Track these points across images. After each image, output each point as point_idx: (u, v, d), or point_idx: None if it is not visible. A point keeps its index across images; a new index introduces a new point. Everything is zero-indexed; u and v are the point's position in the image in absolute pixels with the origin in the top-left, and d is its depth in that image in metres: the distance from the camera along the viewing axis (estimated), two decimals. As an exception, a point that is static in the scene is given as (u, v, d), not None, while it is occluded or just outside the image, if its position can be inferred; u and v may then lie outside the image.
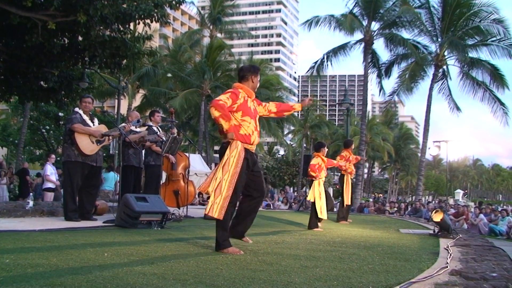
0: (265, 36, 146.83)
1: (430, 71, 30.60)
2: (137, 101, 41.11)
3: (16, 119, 41.08)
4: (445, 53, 29.69)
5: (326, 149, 9.30)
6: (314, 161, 8.89)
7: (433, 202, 49.77)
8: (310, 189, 8.81)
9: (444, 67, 30.37)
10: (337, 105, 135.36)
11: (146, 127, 9.04)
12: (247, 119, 4.95)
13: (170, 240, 5.60)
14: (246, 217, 5.24)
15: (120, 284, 3.00)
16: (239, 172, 4.82)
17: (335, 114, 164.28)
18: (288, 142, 68.27)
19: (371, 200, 33.06)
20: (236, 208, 5.17)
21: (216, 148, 65.03)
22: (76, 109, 7.82)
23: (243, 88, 5.09)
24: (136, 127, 8.60)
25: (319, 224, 8.54)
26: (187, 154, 10.15)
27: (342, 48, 31.17)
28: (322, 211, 8.51)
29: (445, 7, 28.75)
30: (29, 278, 3.07)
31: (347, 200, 10.59)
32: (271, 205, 21.95)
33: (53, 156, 15.67)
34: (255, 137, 5.02)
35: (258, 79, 5.25)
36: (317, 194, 8.57)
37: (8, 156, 41.50)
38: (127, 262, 3.88)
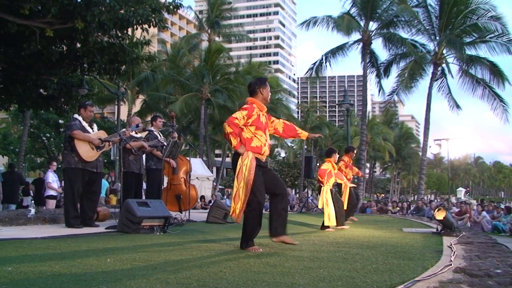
0: (263, 38, 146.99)
1: (429, 70, 30.60)
2: (137, 107, 41.13)
3: (17, 128, 41.04)
4: (444, 51, 29.69)
5: (337, 155, 9.21)
6: (324, 166, 8.86)
7: (435, 200, 49.77)
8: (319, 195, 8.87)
9: (444, 65, 30.37)
10: (337, 106, 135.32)
11: (147, 131, 9.05)
12: (259, 132, 5.25)
13: (173, 244, 5.59)
14: (276, 214, 5.34)
15: (123, 290, 2.99)
16: (254, 178, 5.08)
17: (335, 115, 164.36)
18: (289, 144, 68.33)
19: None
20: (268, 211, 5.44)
21: (217, 152, 65.09)
22: (76, 115, 7.84)
23: (255, 102, 5.32)
24: (136, 132, 8.59)
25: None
26: (188, 158, 10.14)
27: (340, 49, 31.17)
28: (330, 218, 8.40)
29: (442, 5, 28.75)
30: (31, 286, 3.07)
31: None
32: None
33: (55, 163, 15.65)
34: (265, 149, 5.29)
35: (268, 89, 5.42)
36: (324, 201, 8.51)
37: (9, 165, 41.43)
38: (130, 267, 3.87)
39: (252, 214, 5.13)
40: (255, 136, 5.22)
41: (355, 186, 10.40)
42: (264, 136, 5.29)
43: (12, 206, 14.05)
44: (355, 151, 11.42)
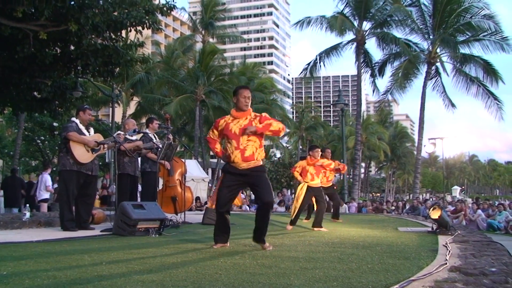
0: (258, 39, 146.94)
1: (423, 69, 30.72)
2: (131, 109, 41.04)
3: (11, 131, 40.89)
4: (438, 50, 29.79)
5: (319, 152, 9.05)
6: (297, 164, 8.99)
7: (431, 199, 49.87)
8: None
9: (438, 63, 30.46)
10: (331, 106, 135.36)
11: (142, 134, 9.03)
12: (229, 141, 5.48)
13: (168, 246, 5.59)
14: (256, 224, 5.52)
15: (119, 293, 2.99)
16: (219, 185, 5.63)
17: (330, 115, 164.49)
18: (284, 144, 68.35)
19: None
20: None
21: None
22: (73, 118, 7.82)
23: (232, 112, 5.61)
24: (132, 136, 8.59)
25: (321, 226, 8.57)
26: (183, 160, 10.12)
27: (334, 49, 31.25)
28: (294, 213, 8.58)
29: (435, 4, 28.87)
30: (27, 290, 3.06)
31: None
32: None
33: (50, 166, 15.65)
34: (235, 155, 5.38)
35: (240, 96, 5.48)
36: (297, 196, 8.67)
37: (3, 168, 41.31)
38: (125, 270, 3.86)
39: (217, 214, 5.65)
40: (227, 145, 5.50)
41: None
42: (234, 143, 5.38)
43: (14, 210, 14.31)
44: (315, 150, 10.23)
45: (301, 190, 8.63)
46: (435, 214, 7.35)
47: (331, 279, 3.50)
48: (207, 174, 30.35)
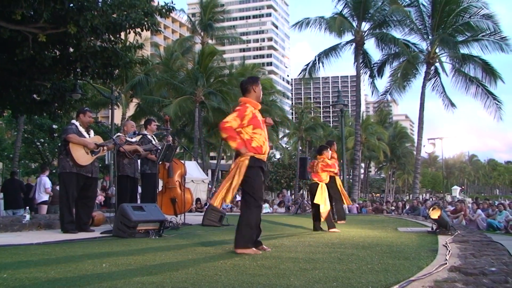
0: (257, 40, 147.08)
1: (422, 69, 30.75)
2: (131, 110, 41.04)
3: (10, 133, 40.88)
4: (437, 50, 29.80)
5: (329, 152, 9.16)
6: (328, 161, 8.88)
7: (431, 199, 49.88)
8: (316, 192, 8.59)
9: (438, 64, 30.49)
10: (331, 107, 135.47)
11: (141, 136, 9.04)
12: (257, 131, 5.17)
13: (168, 248, 5.59)
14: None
15: (119, 294, 2.99)
16: (256, 179, 5.09)
17: (329, 116, 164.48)
18: (284, 145, 68.39)
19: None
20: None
21: (212, 154, 64.99)
22: (73, 121, 7.83)
23: (250, 102, 5.27)
24: (132, 138, 8.61)
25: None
26: (183, 161, 10.12)
27: (333, 50, 31.28)
28: (329, 215, 8.37)
29: (434, 4, 28.90)
30: (27, 292, 3.06)
31: (347, 200, 10.62)
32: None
33: (48, 168, 15.64)
34: (266, 146, 5.24)
35: (260, 87, 5.42)
36: (323, 199, 8.39)
37: (3, 171, 41.28)
38: (125, 272, 3.86)
39: (258, 212, 5.16)
40: (254, 136, 5.14)
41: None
42: (264, 133, 5.23)
43: (19, 212, 13.99)
44: (333, 145, 10.76)
45: (325, 192, 8.48)
46: (435, 214, 7.35)
47: (331, 280, 3.50)
48: (207, 176, 30.37)
